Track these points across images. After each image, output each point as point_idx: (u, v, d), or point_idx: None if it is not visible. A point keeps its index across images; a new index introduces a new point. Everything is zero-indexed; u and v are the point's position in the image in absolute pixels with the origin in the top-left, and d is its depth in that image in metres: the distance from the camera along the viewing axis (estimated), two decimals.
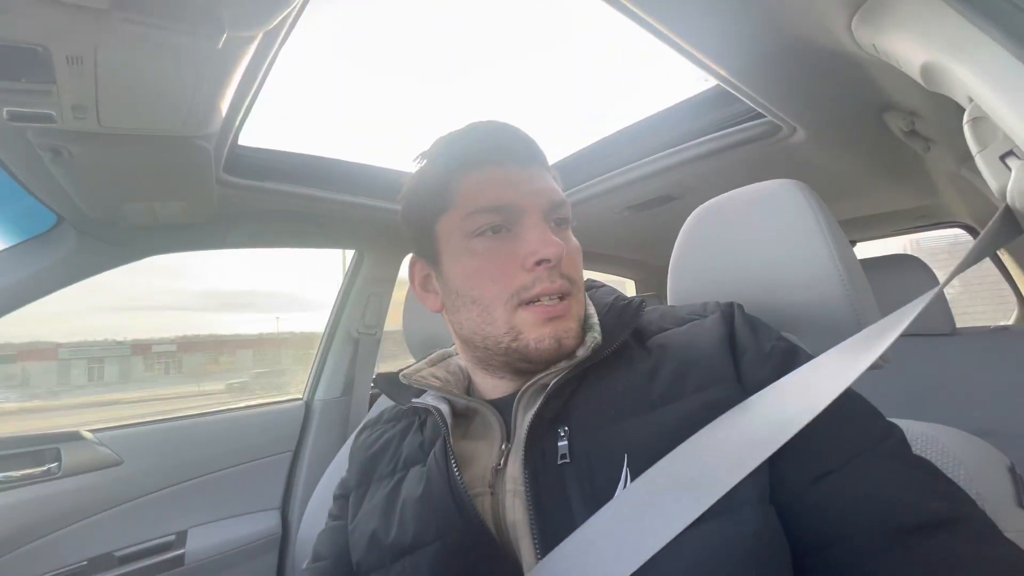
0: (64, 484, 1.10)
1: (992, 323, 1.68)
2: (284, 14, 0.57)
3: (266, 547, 1.34)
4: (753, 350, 0.48)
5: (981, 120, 0.47)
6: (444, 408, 0.54)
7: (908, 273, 1.40)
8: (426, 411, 0.57)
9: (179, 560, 1.19)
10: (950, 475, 0.50)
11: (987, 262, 1.95)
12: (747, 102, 0.89)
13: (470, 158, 0.53)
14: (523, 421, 0.49)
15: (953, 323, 1.39)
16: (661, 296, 2.10)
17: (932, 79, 0.52)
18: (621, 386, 0.48)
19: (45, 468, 1.08)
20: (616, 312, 0.55)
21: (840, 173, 1.24)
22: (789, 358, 0.48)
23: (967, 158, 1.12)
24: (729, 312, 0.53)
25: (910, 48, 0.52)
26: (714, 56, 0.73)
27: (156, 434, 1.27)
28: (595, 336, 0.51)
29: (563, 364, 0.50)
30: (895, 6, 0.53)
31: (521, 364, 0.52)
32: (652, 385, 0.47)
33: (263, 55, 0.69)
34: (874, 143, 1.08)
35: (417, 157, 0.57)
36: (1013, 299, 1.95)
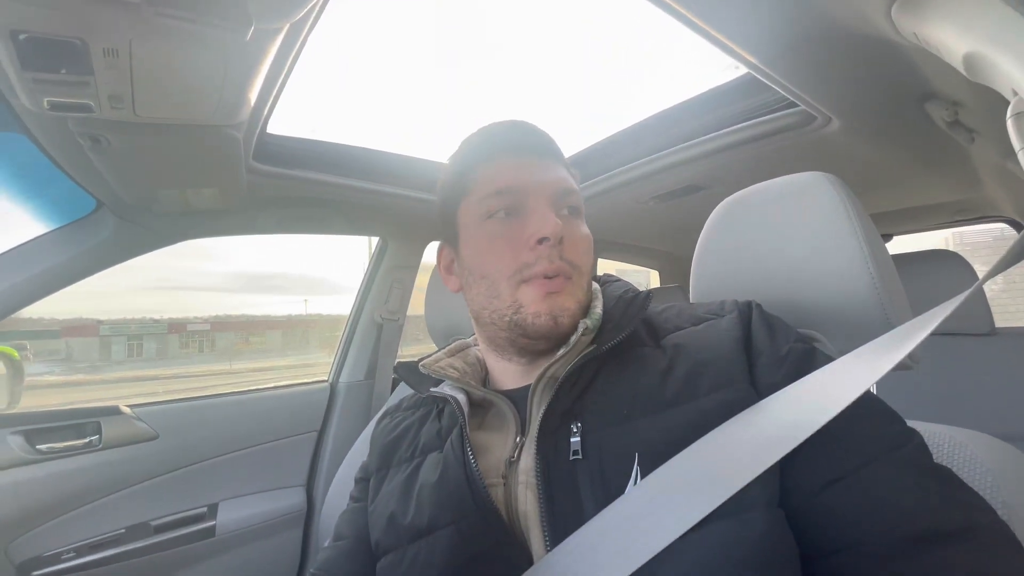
0: (104, 456, 1.16)
1: None
2: (310, 6, 0.58)
3: (292, 522, 1.39)
4: (768, 352, 0.48)
5: None
6: (461, 398, 0.55)
7: (946, 270, 1.35)
8: (444, 400, 0.58)
9: (210, 531, 1.25)
10: (976, 482, 0.49)
11: None
12: (779, 91, 0.86)
13: (485, 151, 0.58)
14: (537, 415, 0.49)
15: (992, 323, 1.33)
16: (685, 288, 2.06)
17: (975, 70, 0.49)
18: (635, 384, 0.49)
19: (87, 440, 1.14)
20: (624, 303, 0.55)
21: (876, 164, 1.19)
22: (805, 361, 0.47)
23: (1013, 151, 1.06)
24: (747, 312, 0.52)
25: (952, 38, 0.49)
26: (745, 44, 0.71)
27: (190, 411, 1.32)
28: (586, 322, 0.52)
29: (561, 352, 0.51)
30: None
31: (522, 340, 0.54)
32: (666, 385, 0.47)
33: (290, 46, 0.70)
34: (914, 133, 1.03)
35: (451, 157, 0.62)
36: None
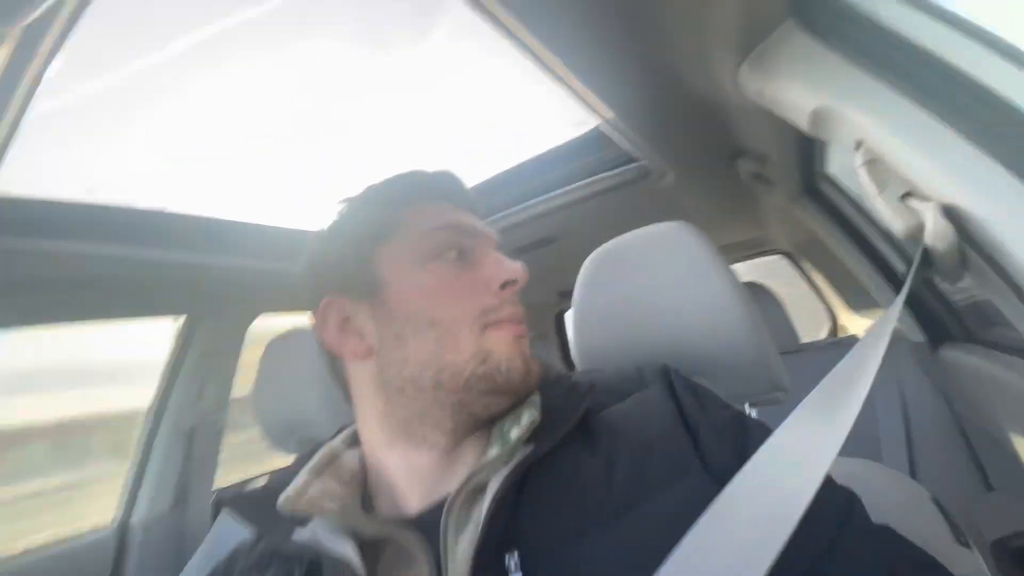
0: None
1: (809, 337, 1.93)
2: (43, 8, 0.39)
3: None
4: (705, 425, 0.42)
5: (875, 162, 0.48)
6: (349, 550, 0.37)
7: (757, 301, 1.56)
8: (315, 554, 0.39)
9: None
10: (881, 516, 0.48)
11: (796, 279, 2.26)
12: (625, 145, 0.90)
13: (414, 193, 0.51)
14: (456, 550, 0.36)
15: (797, 338, 1.56)
16: (541, 339, 2.08)
17: (819, 124, 0.53)
18: (574, 487, 0.39)
19: None
20: (563, 390, 0.46)
21: (696, 213, 1.34)
22: (741, 428, 0.42)
23: (799, 196, 1.27)
24: (667, 378, 0.47)
25: (800, 95, 0.53)
26: (605, 97, 0.70)
27: None
28: (533, 414, 0.42)
29: (494, 453, 0.40)
30: (786, 54, 0.54)
31: (483, 399, 0.43)
32: (611, 485, 0.38)
33: (20, 68, 0.49)
34: (725, 184, 1.18)
35: (343, 201, 0.53)
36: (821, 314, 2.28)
